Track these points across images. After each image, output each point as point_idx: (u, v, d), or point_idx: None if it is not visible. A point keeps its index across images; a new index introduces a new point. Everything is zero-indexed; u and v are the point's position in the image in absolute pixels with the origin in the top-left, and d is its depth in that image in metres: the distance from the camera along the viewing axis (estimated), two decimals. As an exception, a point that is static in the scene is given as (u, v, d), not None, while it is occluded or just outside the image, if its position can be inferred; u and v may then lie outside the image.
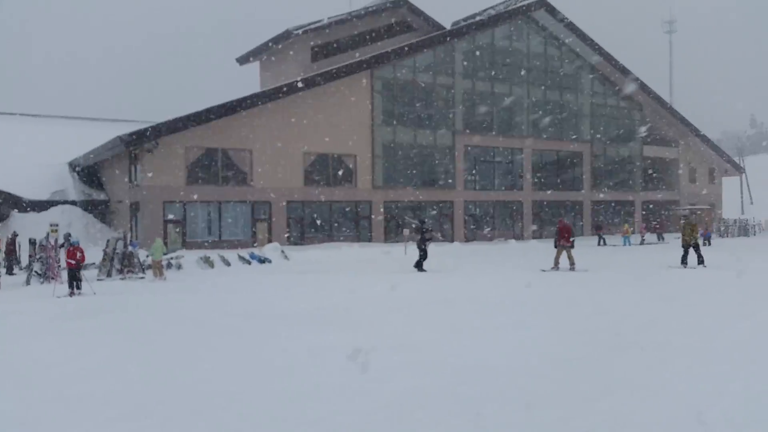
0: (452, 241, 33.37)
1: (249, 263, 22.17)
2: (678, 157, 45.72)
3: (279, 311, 11.05)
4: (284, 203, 28.80)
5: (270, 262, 22.49)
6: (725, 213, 50.62)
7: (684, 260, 17.97)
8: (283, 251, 23.68)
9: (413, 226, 20.26)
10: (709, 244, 30.28)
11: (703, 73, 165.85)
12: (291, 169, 28.92)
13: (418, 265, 18.13)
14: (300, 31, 33.57)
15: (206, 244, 26.55)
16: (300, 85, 28.64)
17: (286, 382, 6.49)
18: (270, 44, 35.89)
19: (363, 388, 6.21)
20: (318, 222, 30.25)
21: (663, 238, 35.23)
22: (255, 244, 27.45)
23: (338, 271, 18.63)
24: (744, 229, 40.17)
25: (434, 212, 34.22)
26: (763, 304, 10.88)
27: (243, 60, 39.71)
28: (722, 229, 40.37)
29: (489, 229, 36.28)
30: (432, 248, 27.65)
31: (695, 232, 18.18)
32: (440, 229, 33.94)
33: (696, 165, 47.19)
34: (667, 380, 6.31)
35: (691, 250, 17.96)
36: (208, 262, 21.37)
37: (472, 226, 35.47)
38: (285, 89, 28.36)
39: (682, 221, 18.68)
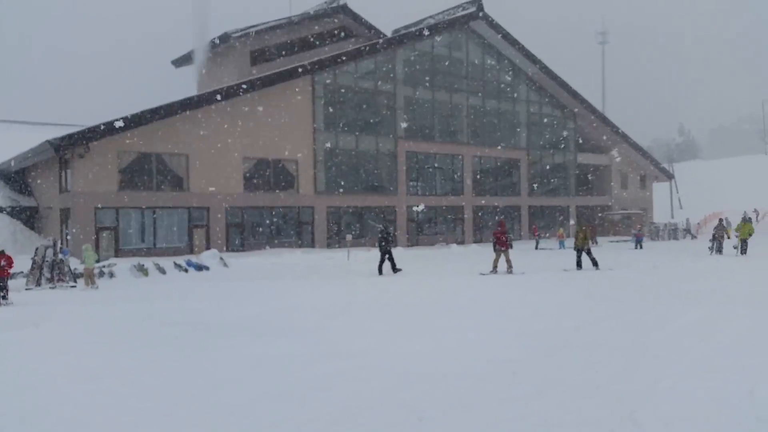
0: (395, 246, 33.47)
1: (186, 271, 21.57)
2: (610, 164, 47.43)
3: (217, 320, 10.76)
4: (223, 209, 28.22)
5: (208, 269, 21.96)
6: (656, 217, 52.80)
7: (578, 264, 19.10)
8: (221, 258, 23.16)
9: (379, 230, 20.97)
10: (641, 247, 31.48)
11: (634, 83, 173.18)
12: (230, 175, 28.37)
13: (387, 268, 18.72)
14: (239, 35, 33.09)
15: (141, 251, 25.71)
16: (238, 88, 28.18)
17: (225, 392, 6.29)
18: (208, 47, 35.18)
19: (303, 396, 6.10)
20: (258, 228, 29.79)
21: (596, 242, 36.37)
22: (192, 252, 26.76)
23: (279, 278, 18.34)
24: (673, 233, 41.98)
25: (377, 217, 34.25)
26: (690, 305, 11.32)
27: (179, 63, 38.82)
28: (654, 232, 42.04)
29: (431, 234, 36.62)
30: (376, 253, 27.81)
31: (587, 239, 19.32)
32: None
33: (627, 171, 49.05)
34: (600, 380, 6.45)
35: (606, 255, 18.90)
36: (142, 270, 20.68)
37: (416, 224, 35.74)
38: (223, 93, 27.83)
39: (577, 227, 19.78)
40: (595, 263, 18.86)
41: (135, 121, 25.44)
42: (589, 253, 19.09)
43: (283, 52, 35.16)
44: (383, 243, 18.99)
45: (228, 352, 8.16)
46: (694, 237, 41.92)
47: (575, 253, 19.37)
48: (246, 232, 29.33)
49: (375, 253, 27.90)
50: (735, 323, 9.39)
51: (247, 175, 29.26)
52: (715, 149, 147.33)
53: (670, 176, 55.64)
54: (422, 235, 36.30)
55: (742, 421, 5.13)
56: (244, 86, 28.49)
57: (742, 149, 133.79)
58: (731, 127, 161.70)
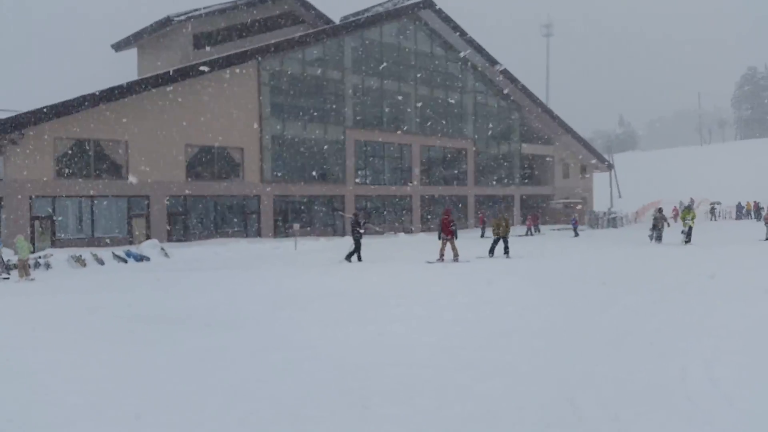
0: (343, 235, 33.40)
1: (125, 262, 20.96)
2: (553, 154, 48.53)
3: (159, 312, 10.48)
4: (164, 198, 27.47)
5: (148, 260, 21.39)
6: (596, 206, 54.37)
7: (492, 251, 19.90)
8: (162, 248, 22.59)
9: (350, 219, 21.42)
10: (576, 234, 32.36)
11: (577, 76, 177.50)
12: (171, 162, 27.62)
13: (354, 256, 18.94)
14: (182, 18, 32.14)
15: (78, 241, 24.81)
16: (181, 73, 27.42)
17: (169, 385, 6.15)
18: (149, 31, 34.07)
19: (249, 388, 6.03)
20: (202, 217, 29.17)
21: (539, 230, 37.23)
22: (132, 242, 26.00)
23: (224, 268, 18.01)
24: (613, 221, 43.30)
25: (324, 207, 34.06)
26: (629, 291, 11.70)
27: (119, 46, 37.44)
28: (593, 221, 43.26)
29: (379, 223, 36.68)
30: (324, 243, 27.72)
31: (508, 227, 20.08)
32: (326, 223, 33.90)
33: (569, 161, 50.31)
34: (541, 365, 6.60)
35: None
36: (79, 261, 19.98)
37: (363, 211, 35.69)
38: (164, 78, 27.02)
39: (498, 216, 20.39)
40: (506, 251, 19.64)
41: (72, 107, 24.42)
42: (505, 241, 19.77)
43: (229, 37, 34.36)
44: (357, 230, 19.32)
45: (172, 344, 7.97)
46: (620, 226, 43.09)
47: (494, 241, 20.02)
48: (189, 222, 28.66)
49: (323, 243, 27.85)
50: (671, 308, 9.76)
51: (190, 162, 28.56)
52: (654, 140, 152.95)
53: (609, 166, 57.34)
54: (370, 224, 36.31)
55: (675, 401, 5.33)
56: (187, 71, 27.73)
57: (679, 141, 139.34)
58: (669, 119, 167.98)
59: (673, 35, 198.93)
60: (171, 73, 27.24)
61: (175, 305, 11.15)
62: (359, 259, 19.08)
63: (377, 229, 33.90)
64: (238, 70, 29.82)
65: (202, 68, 27.58)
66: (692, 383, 5.78)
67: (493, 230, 20.23)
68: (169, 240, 27.07)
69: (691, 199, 49.03)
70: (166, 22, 32.70)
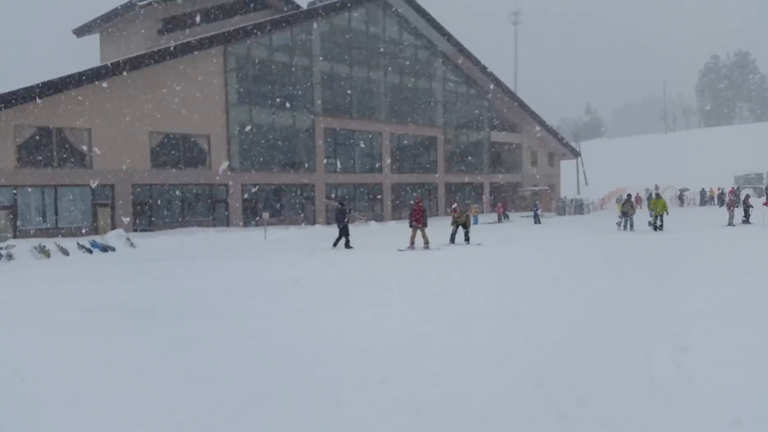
0: (314, 223, 33.26)
1: (90, 252, 20.52)
2: (521, 142, 48.96)
3: (126, 302, 10.31)
4: (129, 187, 26.94)
5: (114, 250, 20.98)
6: (563, 193, 55.15)
7: (452, 239, 20.30)
8: (128, 238, 22.17)
9: (334, 206, 21.66)
10: (538, 222, 32.70)
11: (545, 64, 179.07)
12: (136, 150, 27.06)
13: (343, 244, 19.33)
14: (145, 2, 31.40)
15: (42, 232, 24.21)
16: (145, 59, 26.82)
17: (137, 375, 6.07)
18: (112, 15, 33.22)
19: (219, 377, 5.98)
20: (168, 207, 28.68)
21: (508, 217, 37.60)
22: (97, 232, 25.47)
23: (191, 258, 17.77)
24: (580, 208, 43.97)
25: (294, 195, 33.83)
26: (596, 276, 11.90)
27: (81, 32, 36.45)
28: (561, 207, 43.88)
29: (350, 211, 36.55)
30: (294, 231, 27.56)
31: (468, 218, 20.51)
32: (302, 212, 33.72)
33: (537, 149, 50.83)
34: (509, 348, 6.68)
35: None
36: (43, 251, 19.49)
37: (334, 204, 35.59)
38: (128, 64, 26.40)
39: (458, 207, 20.76)
40: (467, 238, 20.01)
41: (33, 94, 23.69)
42: (466, 228, 20.12)
43: (194, 22, 33.68)
44: (341, 219, 19.68)
45: (139, 335, 7.85)
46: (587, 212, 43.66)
47: (454, 228, 20.36)
48: (155, 211, 28.17)
49: (293, 232, 27.70)
50: (638, 292, 9.96)
51: (156, 150, 28.02)
52: (619, 128, 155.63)
53: (576, 154, 58.13)
54: (355, 214, 36.21)
55: (641, 383, 5.45)
56: (151, 57, 27.13)
57: (644, 128, 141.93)
58: (634, 107, 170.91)
59: (638, 24, 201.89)
60: (135, 59, 26.64)
61: (142, 296, 10.98)
62: (347, 245, 19.37)
63: (361, 217, 33.91)
64: (203, 56, 29.29)
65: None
66: (657, 366, 5.91)
67: (453, 220, 20.59)
68: (135, 230, 26.59)
69: (656, 186, 49.96)
70: (129, 6, 31.93)
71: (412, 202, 23.93)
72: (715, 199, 47.45)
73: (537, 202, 36.78)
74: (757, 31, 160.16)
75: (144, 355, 6.88)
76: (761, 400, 4.94)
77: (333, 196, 34.15)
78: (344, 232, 19.57)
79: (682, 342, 6.71)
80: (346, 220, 19.81)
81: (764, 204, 25.11)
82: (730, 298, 9.20)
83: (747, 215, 25.27)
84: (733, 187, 46.35)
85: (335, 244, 19.55)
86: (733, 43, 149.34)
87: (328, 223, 34.25)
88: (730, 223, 24.67)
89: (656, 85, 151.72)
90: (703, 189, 50.96)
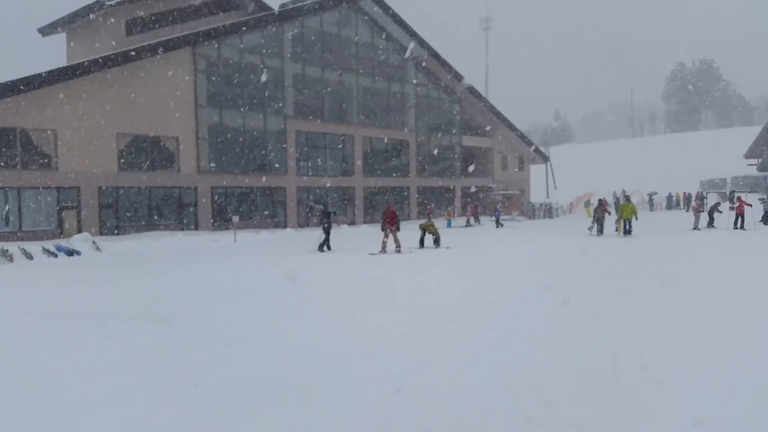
0: (285, 227, 33.05)
1: (55, 256, 20.08)
2: (492, 147, 49.39)
3: (90, 307, 10.09)
4: (96, 189, 26.43)
5: (79, 254, 20.56)
6: (533, 197, 55.75)
7: (421, 242, 20.37)
8: (94, 242, 21.75)
9: (319, 209, 22.01)
10: (500, 225, 32.97)
11: (516, 70, 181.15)
12: (103, 152, 26.57)
13: (324, 246, 19.63)
14: (113, 2, 30.89)
15: (5, 235, 23.60)
16: (112, 60, 26.38)
17: (99, 383, 5.93)
18: (79, 15, 32.60)
19: (185, 383, 5.89)
20: (136, 210, 28.21)
21: (479, 221, 37.88)
22: (62, 235, 24.93)
23: (159, 262, 17.50)
24: (549, 212, 44.52)
25: (265, 198, 33.58)
26: (566, 279, 12.04)
27: (46, 31, 35.70)
28: (530, 211, 44.39)
29: (340, 213, 36.40)
30: (265, 235, 27.33)
31: (434, 227, 20.63)
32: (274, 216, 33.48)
33: (507, 154, 51.33)
34: (479, 352, 6.71)
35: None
36: (6, 255, 19.02)
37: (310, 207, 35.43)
38: (95, 64, 25.94)
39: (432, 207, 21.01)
40: (436, 242, 20.17)
41: (-5, 93, 23.15)
42: (434, 233, 20.28)
43: (163, 23, 33.25)
44: (325, 223, 20.04)
45: (104, 340, 7.70)
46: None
47: (422, 232, 20.48)
48: (122, 214, 27.68)
49: (264, 235, 27.48)
50: (604, 294, 10.10)
51: (123, 152, 27.56)
52: (588, 133, 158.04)
53: (545, 158, 58.86)
54: (313, 216, 36.03)
55: (605, 385, 5.51)
56: (119, 57, 26.70)
57: (611, 134, 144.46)
58: (602, 113, 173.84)
59: (606, 32, 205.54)
60: (102, 60, 26.19)
61: (107, 300, 10.77)
62: (328, 248, 19.68)
63: (345, 220, 33.84)
64: (172, 57, 28.92)
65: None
66: (623, 367, 5.99)
67: (421, 225, 20.76)
68: (102, 233, 26.11)
69: (623, 190, 50.80)
70: (97, 6, 31.39)
71: (383, 207, 23.98)
72: (682, 204, 48.40)
73: (498, 206, 36.95)
74: (721, 39, 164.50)
75: (109, 361, 6.74)
76: (722, 401, 5.05)
77: (310, 201, 34.05)
78: (327, 234, 19.86)
79: (648, 343, 6.82)
80: (327, 223, 20.06)
81: (730, 208, 25.66)
82: (693, 300, 9.39)
83: (711, 219, 25.79)
84: (698, 192, 47.37)
85: (321, 248, 19.69)
86: (698, 51, 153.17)
87: (299, 226, 34.09)
88: (696, 227, 25.19)
89: (624, 91, 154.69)
90: (669, 194, 51.97)
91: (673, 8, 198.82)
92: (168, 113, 28.65)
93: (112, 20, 31.71)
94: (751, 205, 25.38)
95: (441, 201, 44.45)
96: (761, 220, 26.74)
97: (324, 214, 20.60)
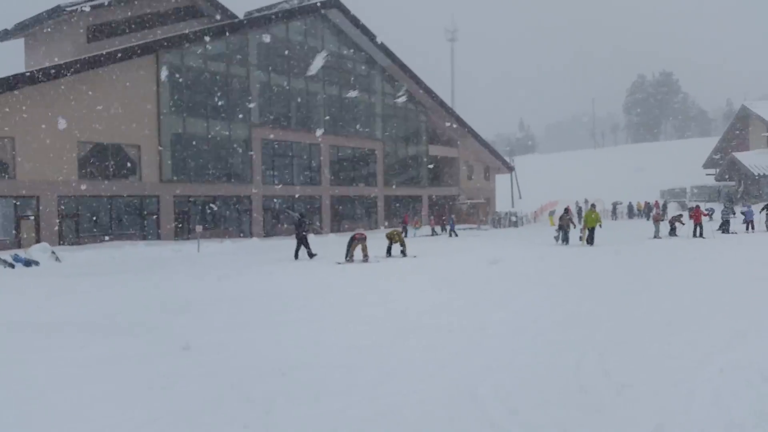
0: (250, 236, 32.69)
1: (12, 266, 19.44)
2: (458, 156, 49.81)
3: (47, 319, 9.78)
4: (55, 198, 25.77)
5: (38, 264, 19.97)
6: (498, 206, 56.36)
7: (388, 252, 20.39)
8: (53, 252, 21.16)
9: (296, 217, 22.27)
10: (456, 234, 33.14)
11: (481, 81, 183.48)
12: (63, 160, 25.94)
13: (304, 254, 20.01)
14: (74, 8, 30.28)
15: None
16: (73, 66, 25.83)
17: (54, 396, 5.74)
18: (38, 20, 31.84)
19: (146, 396, 5.74)
20: (96, 219, 27.56)
21: (445, 230, 38.04)
22: (20, 245, 24.20)
23: (119, 272, 17.10)
24: (514, 221, 45.00)
25: (230, 207, 33.19)
26: (525, 287, 12.15)
27: (4, 36, 34.75)
28: (496, 220, 44.81)
29: (288, 223, 36.18)
30: (229, 245, 26.97)
31: (401, 237, 20.57)
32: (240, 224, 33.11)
33: (473, 163, 51.83)
34: (444, 361, 6.70)
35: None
36: (-43, 267, 18.35)
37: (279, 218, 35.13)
38: (55, 71, 25.36)
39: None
40: (403, 251, 20.22)
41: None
42: (401, 242, 20.35)
43: (126, 30, 32.72)
44: (299, 230, 20.29)
45: (59, 352, 7.46)
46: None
47: (389, 241, 20.47)
48: (82, 224, 27.02)
49: (228, 245, 27.12)
50: (566, 302, 10.21)
51: (83, 161, 26.94)
52: (551, 144, 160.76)
53: (510, 168, 59.60)
54: (279, 225, 35.76)
55: (569, 392, 5.56)
56: (80, 64, 26.15)
57: (574, 144, 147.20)
58: (565, 124, 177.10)
59: (569, 44, 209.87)
60: (62, 66, 25.61)
61: (66, 312, 10.46)
62: (309, 255, 20.00)
63: (318, 229, 33.64)
64: (135, 64, 28.46)
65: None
66: (586, 374, 6.05)
67: (388, 235, 20.69)
68: (61, 243, 25.44)
69: (586, 200, 51.72)
70: (57, 11, 30.71)
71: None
72: (643, 213, 49.46)
73: (452, 216, 37.08)
74: (680, 52, 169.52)
75: (64, 374, 6.53)
76: (682, 406, 5.13)
77: (288, 209, 33.96)
78: (302, 242, 20.12)
79: (610, 350, 6.91)
80: (303, 230, 20.35)
81: (689, 217, 26.29)
82: (654, 307, 9.56)
83: (673, 228, 26.36)
84: (657, 201, 48.51)
85: (310, 256, 20.01)
86: (658, 64, 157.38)
87: (265, 235, 33.78)
88: (656, 236, 25.73)
89: (586, 103, 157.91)
90: (630, 203, 53.07)
91: (634, 23, 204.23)
92: (130, 121, 28.15)
93: (73, 26, 31.07)
94: (707, 215, 26.03)
95: (408, 210, 44.59)
96: (719, 229, 27.50)
97: (298, 222, 20.78)
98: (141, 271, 17.29)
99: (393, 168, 43.69)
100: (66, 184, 26.06)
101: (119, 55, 27.48)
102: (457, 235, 32.95)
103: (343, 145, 39.64)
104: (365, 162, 41.80)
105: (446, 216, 40.86)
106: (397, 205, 43.91)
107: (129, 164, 28.67)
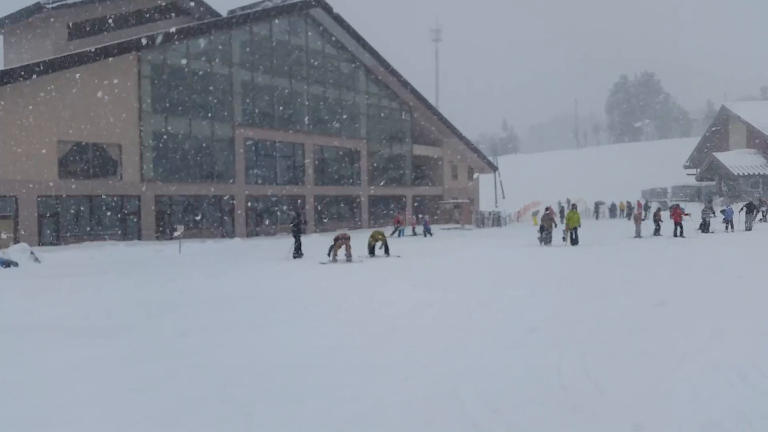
0: (233, 236, 32.50)
1: (-10, 267, 19.16)
2: (442, 156, 49.93)
3: (25, 320, 9.64)
4: (34, 198, 25.42)
5: (17, 265, 19.68)
6: (482, 206, 56.57)
7: (371, 251, 20.53)
8: (32, 252, 20.89)
9: (292, 216, 22.44)
10: (431, 234, 33.25)
11: (465, 81, 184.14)
12: (43, 160, 25.61)
13: (297, 252, 20.14)
14: (54, 5, 29.90)
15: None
16: (53, 64, 25.50)
17: (34, 399, 5.66)
18: (17, 17, 31.40)
19: (125, 399, 5.67)
20: (76, 219, 27.23)
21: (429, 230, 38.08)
22: (-2, 246, 23.85)
23: (98, 273, 16.90)
24: (497, 220, 45.15)
25: (212, 207, 32.97)
26: (508, 287, 12.21)
27: (-19, 33, 34.22)
28: (480, 220, 44.92)
29: (272, 223, 36.03)
30: (211, 245, 26.80)
31: (383, 236, 20.79)
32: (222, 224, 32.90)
33: (457, 163, 51.98)
34: (426, 361, 6.71)
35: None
36: (-67, 268, 18.04)
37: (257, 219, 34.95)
38: (35, 69, 25.01)
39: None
40: (386, 251, 20.38)
41: None
42: (384, 242, 20.53)
43: (107, 28, 32.37)
44: (295, 229, 20.55)
45: (37, 355, 7.35)
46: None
47: (371, 241, 20.56)
48: (62, 224, 26.68)
49: (210, 245, 26.95)
50: (547, 302, 10.28)
51: (64, 160, 26.61)
52: (534, 144, 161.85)
53: (494, 168, 59.86)
54: (262, 225, 35.59)
55: (550, 391, 5.59)
56: (60, 62, 25.82)
57: (557, 144, 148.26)
58: (548, 124, 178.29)
59: (552, 44, 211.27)
60: (43, 64, 25.27)
61: (44, 314, 10.32)
62: (298, 254, 20.14)
63: (313, 227, 33.50)
64: (116, 62, 28.15)
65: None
66: (566, 373, 6.09)
67: (372, 237, 20.74)
68: (41, 243, 25.11)
69: (568, 199, 52.12)
70: (37, 8, 30.31)
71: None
72: (624, 213, 49.90)
73: (426, 216, 37.09)
74: (662, 53, 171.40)
75: (44, 377, 6.44)
76: (661, 405, 5.18)
77: (291, 209, 33.90)
78: (297, 239, 20.31)
79: (591, 350, 6.96)
80: (298, 227, 20.58)
81: (670, 217, 26.55)
82: (635, 307, 9.65)
83: (658, 227, 26.64)
84: (639, 201, 48.98)
85: (297, 253, 20.19)
86: (640, 65, 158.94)
87: (248, 235, 33.61)
88: (638, 235, 25.97)
89: (569, 103, 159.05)
90: (613, 203, 53.54)
91: (617, 25, 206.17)
92: (111, 120, 27.85)
93: (54, 23, 30.68)
94: (688, 215, 26.32)
95: (392, 209, 44.61)
96: (699, 228, 27.82)
97: (294, 222, 21.05)
98: (121, 272, 17.11)
99: (377, 167, 43.68)
100: (46, 183, 25.72)
101: (100, 53, 27.17)
102: (432, 235, 33.04)
103: (326, 144, 39.56)
104: (349, 161, 41.74)
105: (417, 215, 40.70)
106: (382, 205, 43.90)
107: (110, 164, 28.36)
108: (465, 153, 52.23)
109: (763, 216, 34.76)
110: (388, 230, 36.50)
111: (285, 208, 33.82)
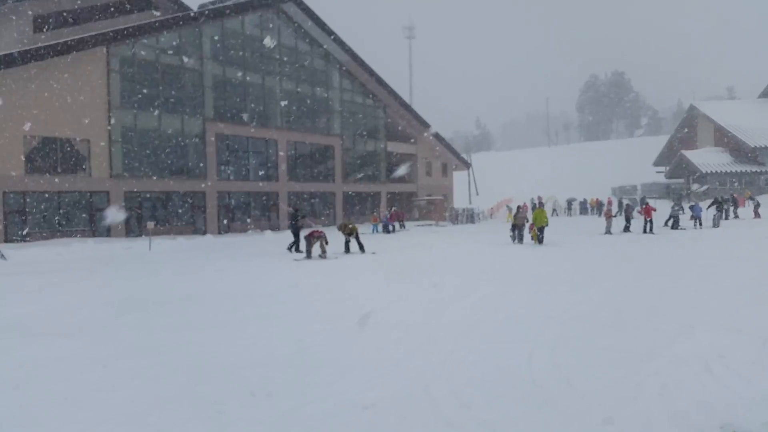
0: (204, 233, 32.11)
1: (-48, 265, 18.63)
2: (416, 153, 50.01)
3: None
4: (0, 194, 24.81)
5: (-19, 263, 19.19)
6: (456, 203, 56.82)
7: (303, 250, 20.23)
8: (-2, 250, 20.38)
9: (290, 212, 22.76)
10: (392, 231, 33.36)
11: (439, 78, 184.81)
12: (9, 155, 24.98)
13: (294, 247, 20.17)
14: (19, -3, 29.19)
15: None
16: (19, 58, 24.87)
17: (12, 398, 5.50)
18: (-21, 8, 30.60)
19: (91, 399, 5.57)
20: (44, 215, 26.63)
21: (404, 226, 38.14)
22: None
23: (66, 270, 16.55)
24: (471, 217, 45.40)
25: (183, 203, 32.54)
26: (482, 283, 12.27)
27: (-57, 24, 33.25)
28: (454, 216, 45.13)
29: (244, 220, 35.69)
30: (182, 242, 26.42)
31: (354, 228, 20.49)
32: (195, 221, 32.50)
33: (432, 160, 52.12)
34: (399, 357, 6.71)
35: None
36: None
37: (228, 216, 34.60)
38: (0, 61, 24.37)
39: (345, 221, 21.15)
40: (361, 248, 20.21)
41: None
42: (357, 239, 20.36)
43: (74, 21, 31.67)
44: (294, 224, 20.67)
45: (2, 355, 7.16)
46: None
47: (346, 237, 20.35)
48: (29, 220, 26.08)
49: (181, 242, 26.57)
50: (518, 298, 10.36)
51: (30, 155, 25.98)
52: (507, 141, 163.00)
53: (468, 165, 60.17)
54: (234, 222, 35.24)
55: (521, 386, 5.62)
56: (25, 55, 25.19)
57: (529, 142, 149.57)
58: (520, 122, 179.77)
59: (524, 42, 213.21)
60: (7, 57, 24.62)
61: (8, 312, 10.06)
62: (297, 249, 20.09)
63: (310, 223, 33.10)
64: (84, 56, 27.56)
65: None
66: (537, 368, 6.13)
67: (343, 231, 20.41)
68: (7, 240, 24.50)
69: (539, 197, 52.61)
70: (1, 0, 29.56)
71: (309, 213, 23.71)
72: (595, 209, 50.59)
73: (386, 213, 37.10)
74: (632, 53, 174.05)
75: (12, 377, 6.27)
76: (630, 398, 5.24)
77: (287, 205, 33.74)
78: (298, 237, 20.32)
79: (561, 345, 7.02)
80: (297, 223, 20.71)
81: (639, 212, 26.97)
82: (604, 302, 9.77)
83: (628, 223, 27.06)
84: (609, 198, 49.69)
85: (290, 249, 20.29)
86: (610, 64, 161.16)
87: (219, 232, 33.25)
88: (608, 232, 26.34)
89: (541, 101, 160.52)
90: (584, 199, 54.24)
91: (588, 24, 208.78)
92: (79, 114, 27.26)
93: (19, 16, 29.95)
94: (655, 210, 26.80)
95: (367, 206, 44.55)
96: (666, 224, 28.32)
97: (293, 216, 21.21)
98: (90, 269, 16.78)
99: (351, 164, 43.56)
100: (12, 178, 25.10)
101: (68, 46, 26.57)
102: (393, 231, 33.21)
103: (300, 140, 39.30)
104: (323, 158, 41.55)
105: (378, 212, 40.67)
106: (356, 201, 43.80)
107: (78, 159, 27.79)
108: (439, 150, 52.39)
109: (734, 212, 35.52)
110: (363, 228, 36.51)
111: (266, 203, 33.59)
